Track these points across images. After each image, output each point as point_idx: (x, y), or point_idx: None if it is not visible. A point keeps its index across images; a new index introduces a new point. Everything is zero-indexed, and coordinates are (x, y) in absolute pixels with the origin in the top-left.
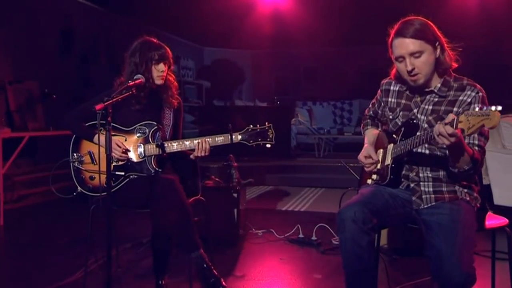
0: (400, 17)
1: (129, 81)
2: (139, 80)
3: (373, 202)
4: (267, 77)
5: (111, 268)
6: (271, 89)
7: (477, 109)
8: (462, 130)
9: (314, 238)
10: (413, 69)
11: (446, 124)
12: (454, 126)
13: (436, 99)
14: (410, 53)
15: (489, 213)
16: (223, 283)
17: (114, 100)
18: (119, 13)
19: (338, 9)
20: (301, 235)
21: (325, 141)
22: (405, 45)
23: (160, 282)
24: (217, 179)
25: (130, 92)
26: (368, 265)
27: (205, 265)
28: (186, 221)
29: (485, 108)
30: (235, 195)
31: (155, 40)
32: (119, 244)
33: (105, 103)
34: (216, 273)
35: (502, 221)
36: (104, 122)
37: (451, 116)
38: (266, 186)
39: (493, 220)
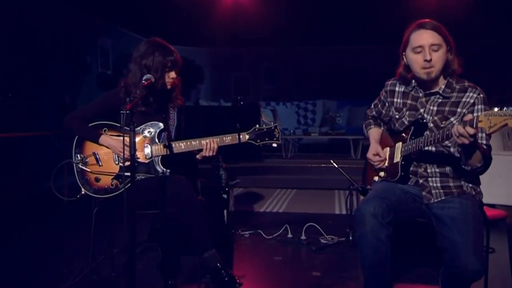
0: (365, 18)
1: (143, 81)
2: (149, 80)
3: (388, 197)
4: (226, 76)
5: (136, 271)
6: (231, 89)
7: (496, 109)
8: (482, 129)
9: (303, 237)
10: (430, 59)
11: (466, 124)
12: (474, 125)
13: (440, 100)
14: (430, 44)
15: (485, 207)
16: (238, 280)
17: (136, 100)
18: (77, 8)
19: (300, 7)
20: (289, 235)
21: (291, 142)
22: (426, 36)
23: (170, 282)
24: (202, 180)
25: (144, 92)
26: (385, 257)
27: (218, 265)
28: (199, 221)
29: (505, 108)
30: (224, 196)
31: (166, 44)
32: (107, 248)
33: (131, 103)
34: (230, 271)
35: (501, 213)
36: (110, 122)
37: (469, 116)
38: (237, 188)
39: (491, 213)
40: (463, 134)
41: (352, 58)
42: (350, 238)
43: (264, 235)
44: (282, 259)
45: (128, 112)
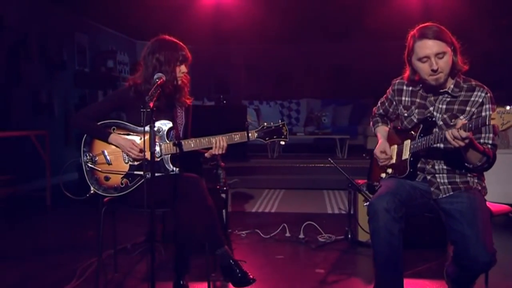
0: (348, 15)
1: (157, 80)
2: (162, 79)
3: (399, 192)
4: (205, 74)
5: (141, 272)
6: (210, 87)
7: (508, 107)
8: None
9: (301, 236)
10: (437, 68)
11: (459, 129)
12: (487, 123)
13: (448, 99)
14: (435, 53)
15: (487, 202)
16: (251, 276)
17: (155, 97)
18: (53, 3)
19: (283, 5)
20: (287, 234)
21: (277, 142)
22: (430, 46)
23: (181, 282)
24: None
25: (159, 90)
26: (398, 252)
27: (231, 261)
28: (211, 218)
29: None
30: (223, 195)
31: (176, 40)
32: (104, 249)
33: (152, 100)
34: (242, 267)
35: (505, 208)
36: (118, 121)
37: (460, 122)
38: None
39: (495, 208)
40: (457, 137)
41: (336, 57)
42: (349, 236)
43: (262, 234)
44: (284, 258)
45: (148, 110)
